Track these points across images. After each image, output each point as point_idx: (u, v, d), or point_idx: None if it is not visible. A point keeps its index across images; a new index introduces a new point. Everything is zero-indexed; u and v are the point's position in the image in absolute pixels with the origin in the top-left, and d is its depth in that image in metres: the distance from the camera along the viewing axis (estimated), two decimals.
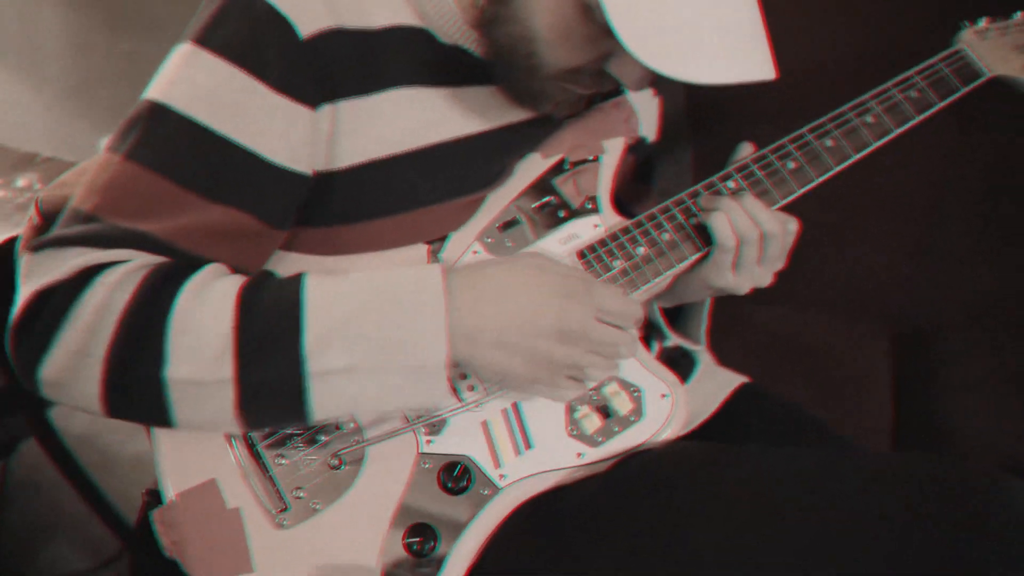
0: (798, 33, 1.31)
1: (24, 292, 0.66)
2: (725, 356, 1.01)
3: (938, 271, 1.37)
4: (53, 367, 0.64)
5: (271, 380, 0.65)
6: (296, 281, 0.67)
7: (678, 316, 0.95)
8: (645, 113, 0.95)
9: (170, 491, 0.70)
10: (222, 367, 0.64)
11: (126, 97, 2.00)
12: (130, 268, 0.66)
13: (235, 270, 0.71)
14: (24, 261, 0.67)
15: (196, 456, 0.71)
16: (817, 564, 0.62)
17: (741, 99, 1.16)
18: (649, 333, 0.94)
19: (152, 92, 0.71)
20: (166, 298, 0.65)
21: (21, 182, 1.12)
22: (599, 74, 0.74)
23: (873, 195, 1.36)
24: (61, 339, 0.64)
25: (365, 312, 0.66)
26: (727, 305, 1.32)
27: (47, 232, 0.68)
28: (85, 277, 0.65)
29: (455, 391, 0.73)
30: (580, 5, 0.69)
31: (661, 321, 0.91)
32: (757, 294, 1.31)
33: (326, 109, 0.71)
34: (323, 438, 0.72)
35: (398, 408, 0.70)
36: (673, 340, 0.93)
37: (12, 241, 0.98)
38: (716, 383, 0.93)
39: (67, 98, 1.67)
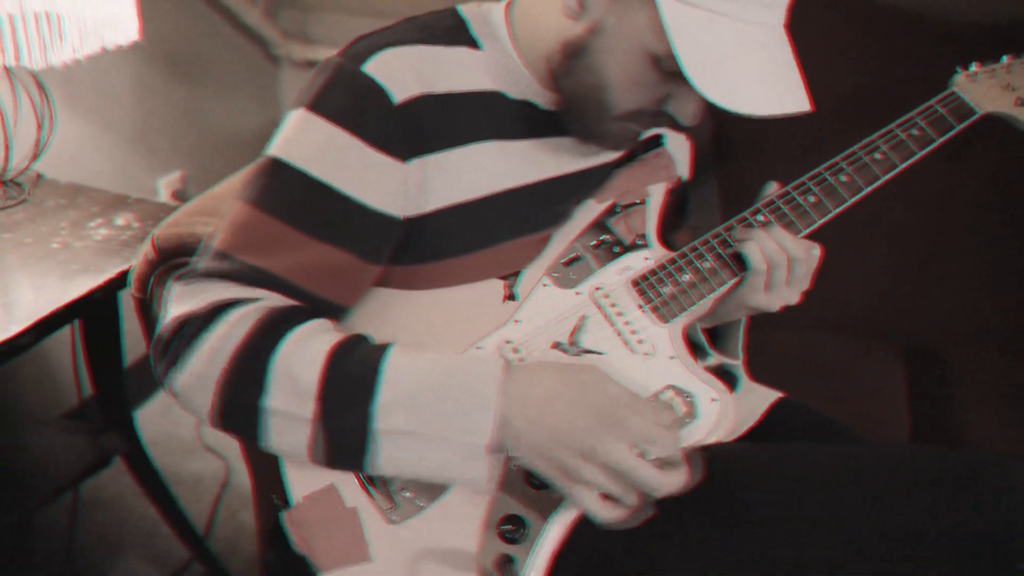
0: (817, 83, 1.45)
1: (170, 315, 0.80)
2: (754, 376, 1.10)
3: (946, 290, 1.48)
4: (181, 382, 0.78)
5: (343, 428, 0.76)
6: (381, 349, 0.78)
7: (717, 335, 1.06)
8: (680, 155, 1.08)
9: (297, 495, 0.83)
10: (306, 407, 0.76)
11: (179, 141, 2.15)
12: (251, 308, 0.78)
13: (338, 302, 0.84)
14: (175, 290, 0.81)
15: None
16: (860, 531, 0.74)
17: (760, 140, 1.28)
18: (695, 352, 1.06)
19: (273, 150, 0.84)
20: (273, 340, 0.77)
21: (120, 221, 1.24)
22: (657, 114, 0.87)
23: (885, 221, 1.49)
24: (189, 361, 0.77)
25: (434, 390, 0.76)
26: (751, 331, 1.45)
27: (165, 263, 0.83)
28: (216, 312, 0.78)
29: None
30: (649, 56, 0.81)
31: (704, 340, 1.02)
32: (779, 319, 1.44)
33: (416, 162, 0.84)
34: None
35: (448, 480, 0.80)
36: (715, 358, 1.04)
37: (125, 273, 1.11)
38: (757, 396, 1.05)
39: (130, 141, 1.80)
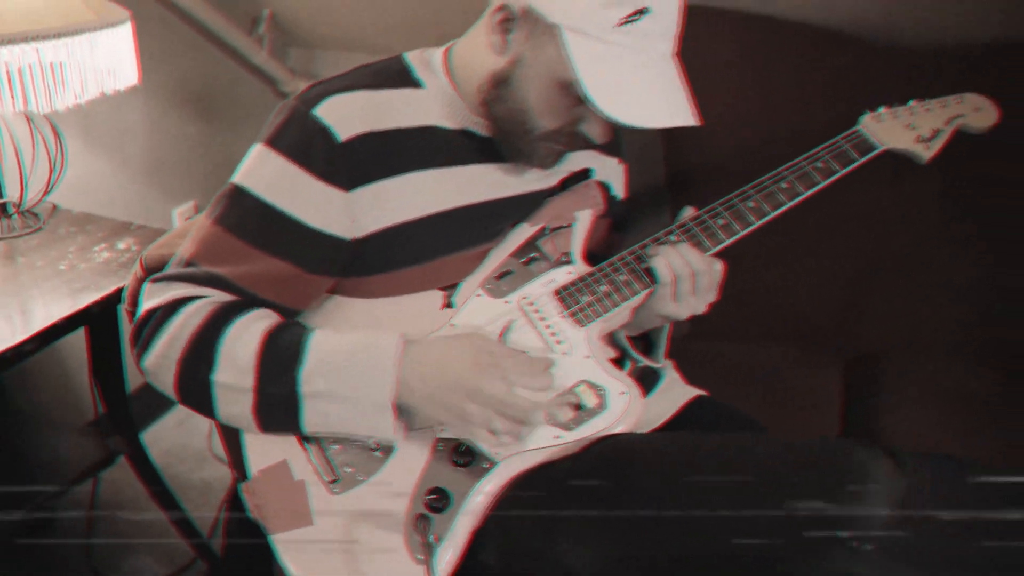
0: (755, 122, 1.56)
1: (142, 309, 0.96)
2: (698, 383, 1.21)
3: (884, 300, 1.56)
4: (149, 362, 0.95)
5: (276, 394, 0.91)
6: (308, 330, 0.94)
7: (646, 341, 1.17)
8: (614, 180, 1.21)
9: (254, 469, 0.96)
10: (247, 379, 0.91)
11: (193, 173, 2.32)
12: (205, 302, 0.94)
13: (286, 305, 0.99)
14: (146, 288, 0.98)
15: (273, 443, 0.97)
16: (721, 509, 0.84)
17: (705, 172, 1.39)
18: (623, 356, 1.16)
19: (237, 177, 1.00)
20: (221, 327, 0.93)
21: (121, 245, 1.39)
22: (573, 134, 1.00)
23: (829, 235, 1.58)
24: (155, 344, 0.94)
25: (347, 358, 0.91)
26: (699, 341, 1.54)
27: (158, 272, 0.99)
28: (177, 305, 0.94)
29: None
30: (560, 83, 0.95)
31: (628, 346, 1.14)
32: (728, 329, 1.54)
33: (359, 191, 0.98)
34: None
35: (365, 434, 0.94)
36: (643, 361, 1.15)
37: (120, 291, 1.26)
38: (676, 393, 1.16)
39: (145, 174, 1.96)
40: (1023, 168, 1.47)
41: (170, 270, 0.98)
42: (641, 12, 0.91)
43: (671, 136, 1.59)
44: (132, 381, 1.49)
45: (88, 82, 1.25)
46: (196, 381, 0.93)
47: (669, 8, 0.94)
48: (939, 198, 1.52)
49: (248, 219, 0.97)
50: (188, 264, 0.97)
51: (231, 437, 1.00)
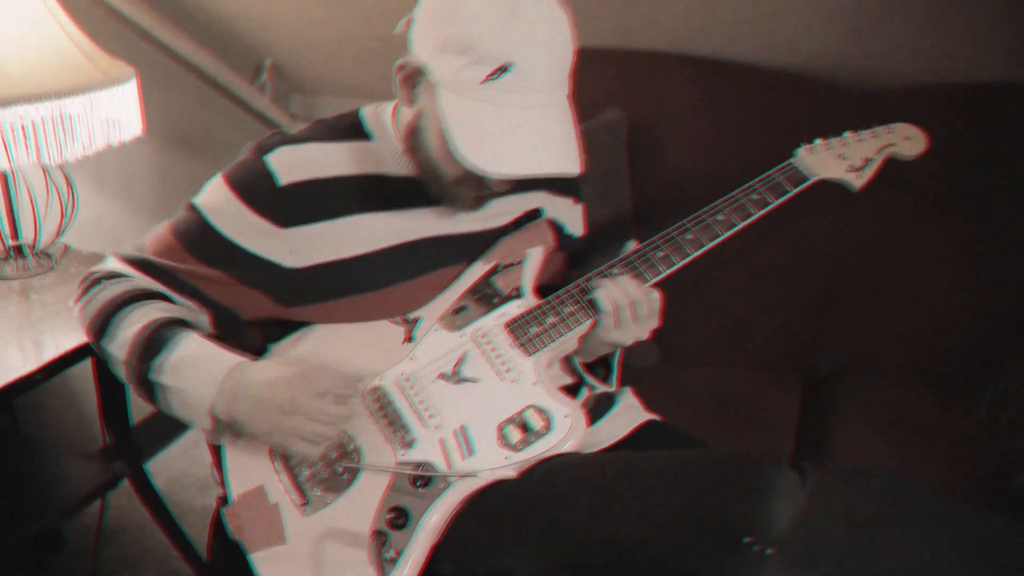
0: (715, 158, 1.65)
1: (95, 268, 1.17)
2: (658, 408, 1.29)
3: (840, 324, 1.64)
4: (76, 312, 1.16)
5: (138, 373, 1.07)
6: (182, 331, 1.08)
7: (607, 368, 1.25)
8: (569, 217, 1.31)
9: (234, 494, 1.07)
10: (123, 353, 1.08)
11: None
12: (126, 283, 1.13)
13: (223, 304, 1.14)
14: (107, 256, 1.19)
15: (250, 471, 1.08)
16: (644, 518, 0.93)
17: (669, 207, 1.48)
18: (579, 381, 1.25)
19: (197, 197, 1.15)
20: (126, 304, 1.10)
21: None
22: (478, 181, 1.07)
23: (784, 267, 1.66)
24: (82, 300, 1.15)
25: (191, 367, 1.05)
26: (664, 368, 1.62)
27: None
28: (109, 276, 1.14)
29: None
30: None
31: (582, 371, 1.23)
32: (691, 356, 1.62)
33: (295, 229, 1.10)
34: (333, 455, 1.07)
35: (195, 423, 1.07)
36: (597, 387, 1.24)
37: None
38: (629, 418, 1.25)
39: (152, 215, 2.09)
40: (967, 202, 1.57)
41: (128, 251, 1.17)
42: (503, 69, 0.97)
43: (637, 175, 1.69)
44: (136, 413, 1.60)
45: (96, 135, 1.38)
46: (95, 341, 1.13)
47: (534, 62, 0.98)
48: (889, 221, 1.61)
49: (194, 233, 1.13)
50: (139, 249, 1.16)
51: (218, 459, 1.11)
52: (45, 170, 1.52)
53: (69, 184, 1.58)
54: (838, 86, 1.72)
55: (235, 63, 2.25)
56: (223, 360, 1.06)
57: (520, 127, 1.00)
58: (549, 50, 0.99)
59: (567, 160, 1.02)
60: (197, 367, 1.05)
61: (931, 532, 0.93)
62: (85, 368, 1.43)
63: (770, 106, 1.66)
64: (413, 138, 1.10)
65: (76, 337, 1.34)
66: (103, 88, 1.38)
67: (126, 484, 1.61)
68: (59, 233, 1.56)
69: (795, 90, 1.69)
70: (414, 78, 1.06)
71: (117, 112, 1.41)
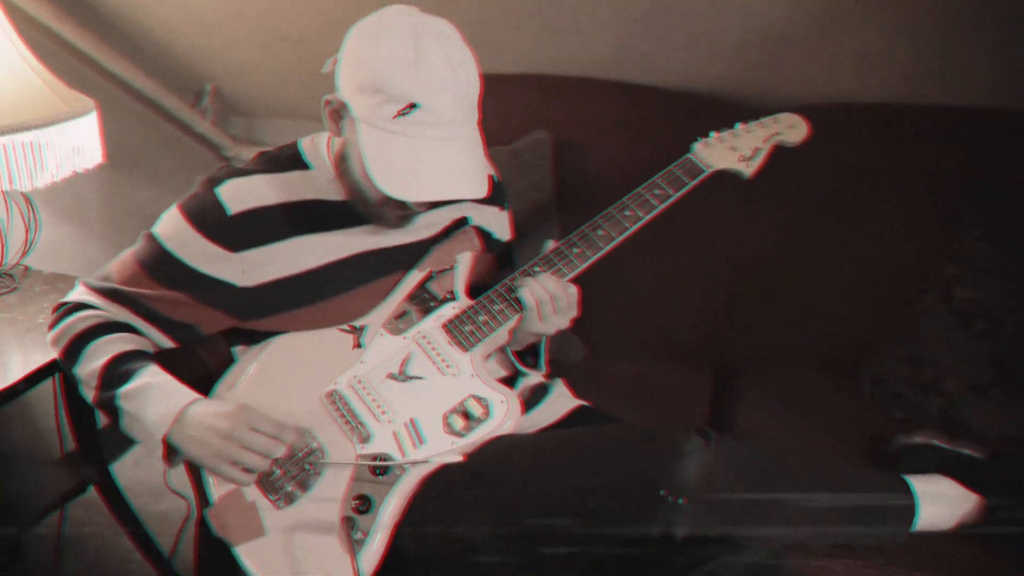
0: (633, 172, 1.77)
1: (67, 298, 1.28)
2: (586, 397, 1.41)
3: (746, 318, 1.80)
4: (50, 339, 1.26)
5: (105, 399, 1.17)
6: (145, 364, 1.19)
7: (532, 355, 1.39)
8: (495, 223, 1.44)
9: (215, 496, 1.18)
10: (93, 380, 1.18)
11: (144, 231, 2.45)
12: (96, 314, 1.23)
13: (185, 322, 1.24)
14: (77, 285, 1.29)
15: None
16: (576, 478, 1.08)
17: (590, 214, 1.60)
18: (515, 373, 1.39)
19: (154, 227, 1.24)
20: (95, 336, 1.20)
21: None
22: (399, 201, 1.18)
23: (696, 266, 1.81)
24: (55, 329, 1.24)
25: (150, 399, 1.15)
26: (592, 362, 1.74)
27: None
28: (80, 308, 1.25)
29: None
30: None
31: (514, 360, 1.36)
32: (615, 351, 1.76)
33: (245, 253, 1.22)
34: (299, 454, 1.19)
35: (152, 450, 1.17)
36: (533, 376, 1.38)
37: None
38: (562, 404, 1.39)
39: (101, 237, 2.16)
40: (845, 209, 1.75)
41: (96, 281, 1.27)
42: (411, 107, 1.10)
43: (561, 187, 1.84)
44: (101, 418, 1.68)
45: (63, 163, 1.48)
46: (67, 366, 1.23)
47: (438, 101, 1.10)
48: (791, 220, 1.77)
49: (155, 261, 1.23)
50: (105, 279, 1.26)
51: (195, 473, 1.22)
52: (5, 195, 1.60)
53: (32, 207, 1.66)
54: (739, 105, 1.89)
55: (177, 88, 2.32)
56: (178, 394, 1.17)
57: (428, 156, 1.12)
58: (453, 89, 1.11)
59: (471, 185, 1.15)
60: (154, 399, 1.16)
61: (811, 480, 1.12)
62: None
63: (680, 123, 1.80)
64: (342, 164, 1.23)
65: (43, 355, 1.41)
66: (71, 119, 1.48)
67: (83, 496, 1.67)
68: (24, 254, 1.64)
69: (704, 110, 1.85)
70: (339, 112, 1.19)
71: (82, 141, 1.51)
